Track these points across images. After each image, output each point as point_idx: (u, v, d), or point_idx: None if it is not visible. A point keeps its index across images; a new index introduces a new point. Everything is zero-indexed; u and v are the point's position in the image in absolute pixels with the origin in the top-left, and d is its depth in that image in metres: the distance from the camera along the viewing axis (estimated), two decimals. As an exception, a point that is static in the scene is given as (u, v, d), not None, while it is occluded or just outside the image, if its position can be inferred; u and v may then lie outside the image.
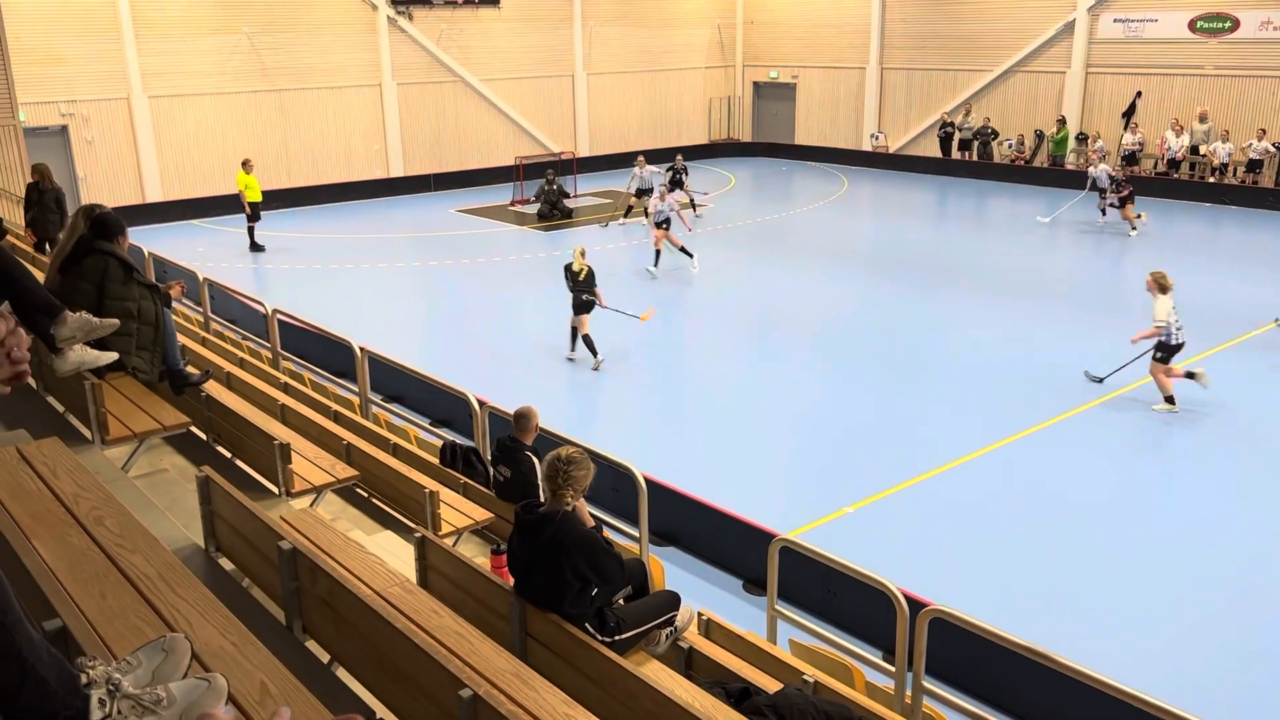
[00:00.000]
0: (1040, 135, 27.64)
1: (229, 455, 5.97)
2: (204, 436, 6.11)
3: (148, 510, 4.30)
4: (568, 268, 13.58)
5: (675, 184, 22.43)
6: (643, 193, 21.88)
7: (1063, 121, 26.87)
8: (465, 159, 28.46)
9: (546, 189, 23.65)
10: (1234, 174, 24.27)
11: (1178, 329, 11.64)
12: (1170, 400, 11.79)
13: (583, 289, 13.45)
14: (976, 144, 28.30)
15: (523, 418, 6.94)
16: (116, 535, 3.31)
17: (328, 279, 18.64)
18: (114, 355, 5.24)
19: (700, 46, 33.39)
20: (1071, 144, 26.80)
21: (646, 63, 32.04)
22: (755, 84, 34.42)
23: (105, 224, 5.73)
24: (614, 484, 8.41)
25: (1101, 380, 12.54)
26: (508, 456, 6.83)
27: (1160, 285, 11.67)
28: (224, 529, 3.99)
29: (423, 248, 20.87)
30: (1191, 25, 24.67)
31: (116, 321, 5.19)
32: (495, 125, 29.11)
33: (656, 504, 7.82)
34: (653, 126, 32.63)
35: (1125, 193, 20.35)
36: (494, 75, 28.70)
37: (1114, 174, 21.05)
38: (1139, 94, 25.52)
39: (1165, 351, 11.71)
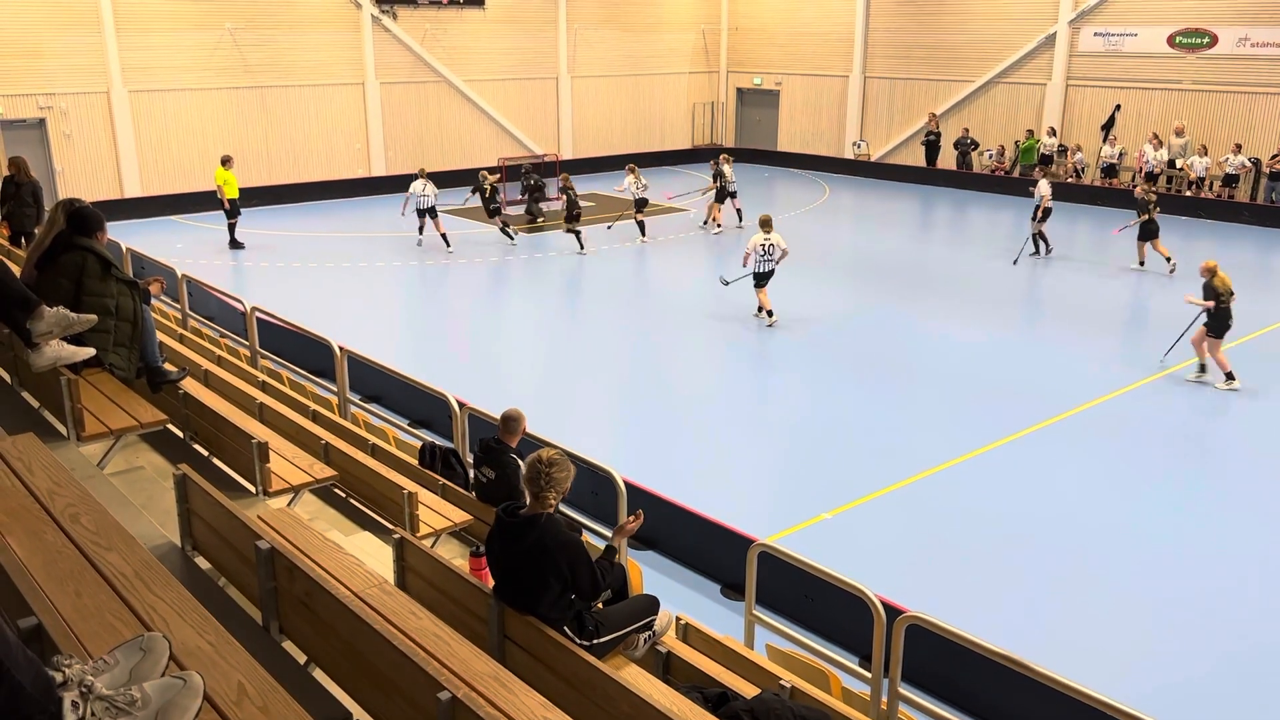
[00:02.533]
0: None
1: (206, 454, 5.93)
2: (181, 434, 6.06)
3: (124, 508, 4.25)
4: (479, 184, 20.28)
5: None
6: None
7: (1031, 133, 27.13)
8: (448, 159, 28.34)
9: (526, 184, 23.56)
10: (1210, 188, 24.54)
11: (762, 259, 15.15)
12: (766, 312, 15.40)
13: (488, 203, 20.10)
14: (956, 154, 28.48)
15: (511, 420, 6.92)
16: (92, 533, 3.27)
17: (307, 277, 18.54)
18: (90, 351, 5.19)
19: (685, 51, 33.45)
20: (1054, 156, 27.00)
21: (631, 67, 32.07)
22: (739, 90, 34.51)
23: (84, 219, 5.67)
24: (594, 488, 8.39)
25: (728, 283, 15.90)
26: (492, 458, 6.81)
27: None
28: (201, 528, 3.95)
29: (404, 247, 20.77)
30: (1171, 40, 24.94)
31: (93, 317, 5.14)
32: (479, 126, 29.06)
33: (636, 508, 7.78)
34: (636, 130, 32.66)
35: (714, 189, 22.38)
36: (478, 76, 28.65)
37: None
38: (1118, 107, 25.77)
39: (757, 279, 15.35)
